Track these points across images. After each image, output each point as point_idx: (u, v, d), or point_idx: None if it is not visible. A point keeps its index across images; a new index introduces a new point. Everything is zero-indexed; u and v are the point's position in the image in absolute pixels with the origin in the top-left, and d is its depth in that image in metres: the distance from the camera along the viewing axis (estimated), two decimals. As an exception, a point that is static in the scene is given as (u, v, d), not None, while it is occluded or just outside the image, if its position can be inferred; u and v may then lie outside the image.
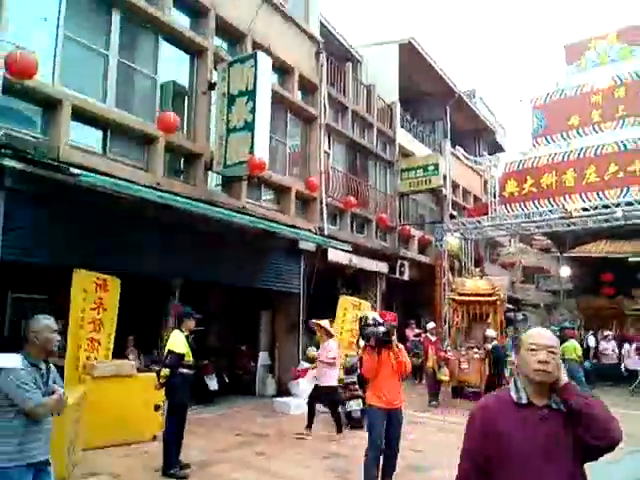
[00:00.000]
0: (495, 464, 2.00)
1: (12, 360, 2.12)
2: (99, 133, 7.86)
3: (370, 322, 5.41)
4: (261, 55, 8.66)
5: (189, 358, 5.64)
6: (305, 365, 10.44)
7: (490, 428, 2.02)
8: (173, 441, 5.49)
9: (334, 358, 8.27)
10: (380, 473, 5.48)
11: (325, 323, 8.72)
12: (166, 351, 5.59)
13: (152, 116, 8.52)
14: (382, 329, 5.21)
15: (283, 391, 11.05)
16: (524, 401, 2.05)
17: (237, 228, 9.22)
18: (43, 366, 3.33)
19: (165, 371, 5.46)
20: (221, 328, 11.81)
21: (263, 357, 11.74)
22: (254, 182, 10.15)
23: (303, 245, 11.33)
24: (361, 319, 6.35)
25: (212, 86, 9.27)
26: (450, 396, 11.67)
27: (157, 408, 6.68)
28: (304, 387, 9.83)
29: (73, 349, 6.65)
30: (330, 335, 8.56)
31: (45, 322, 3.28)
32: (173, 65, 9.14)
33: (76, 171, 5.91)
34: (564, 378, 2.05)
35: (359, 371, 8.84)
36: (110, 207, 7.37)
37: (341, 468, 6.25)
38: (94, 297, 6.92)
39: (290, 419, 9.00)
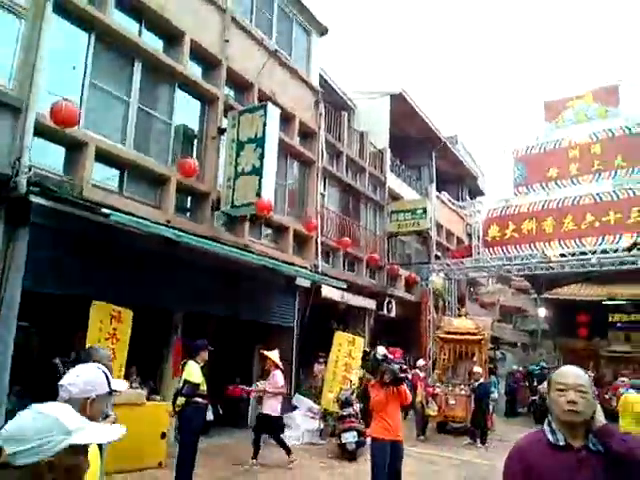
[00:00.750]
0: None
1: (121, 385, 2.37)
2: (117, 173, 8.29)
3: (380, 357, 5.76)
4: (270, 106, 9.25)
5: (203, 388, 5.94)
6: (301, 400, 10.68)
7: (528, 471, 1.96)
8: (187, 468, 5.73)
9: (281, 388, 8.37)
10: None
11: (273, 355, 8.72)
12: (182, 381, 5.88)
13: (166, 158, 9.00)
14: (397, 367, 5.59)
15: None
16: (561, 443, 1.97)
17: (239, 264, 9.60)
18: None
19: (181, 400, 5.74)
20: (217, 360, 11.99)
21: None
22: (256, 221, 10.60)
23: (299, 282, 11.72)
24: (368, 353, 6.69)
25: (222, 131, 9.80)
26: (436, 431, 11.97)
27: (163, 436, 6.90)
28: (299, 420, 10.05)
29: (87, 378, 6.86)
30: (277, 367, 8.56)
31: (104, 352, 3.63)
32: (186, 111, 9.67)
33: (106, 211, 6.29)
34: (601, 419, 1.98)
35: (354, 405, 9.20)
36: (124, 243, 7.72)
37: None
38: (109, 328, 7.20)
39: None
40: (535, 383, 16.19)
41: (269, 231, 11.59)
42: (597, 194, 13.77)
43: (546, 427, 2.05)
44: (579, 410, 1.94)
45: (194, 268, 9.14)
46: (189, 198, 9.69)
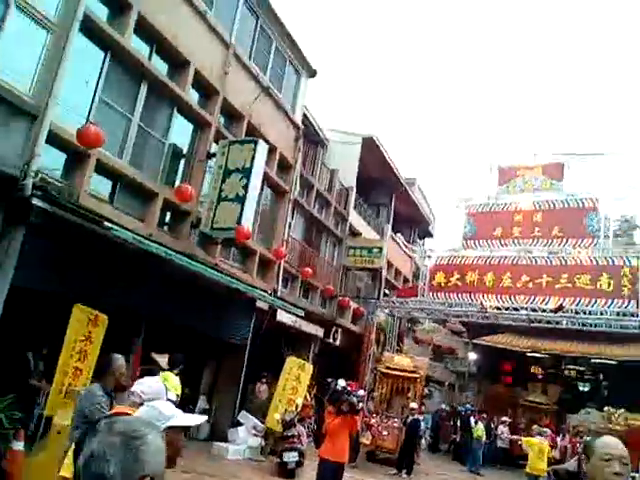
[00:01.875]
0: None
1: (196, 419, 2.45)
2: (110, 184, 8.76)
3: (340, 389, 6.55)
4: (261, 143, 10.01)
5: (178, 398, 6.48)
6: (247, 417, 11.23)
7: None
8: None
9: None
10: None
11: (161, 359, 8.49)
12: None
13: (156, 175, 9.55)
14: (355, 399, 6.40)
15: (216, 436, 11.68)
16: None
17: (207, 281, 10.15)
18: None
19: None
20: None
21: (201, 401, 12.36)
22: (227, 243, 11.21)
23: (259, 304, 12.36)
24: (329, 384, 7.45)
25: (210, 156, 10.45)
26: (365, 459, 12.79)
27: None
28: (243, 435, 10.61)
29: (60, 375, 7.24)
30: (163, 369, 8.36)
31: (122, 361, 4.23)
32: (179, 133, 10.26)
33: (108, 224, 6.81)
34: None
35: (297, 427, 9.89)
36: (109, 251, 8.18)
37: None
38: (85, 330, 7.59)
39: (230, 463, 9.73)
40: (459, 423, 17.38)
41: (237, 254, 12.21)
42: (533, 257, 15.30)
43: None
44: None
45: (166, 280, 9.63)
46: (170, 214, 10.22)
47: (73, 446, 2.81)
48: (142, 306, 9.37)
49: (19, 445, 6.09)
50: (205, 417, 2.64)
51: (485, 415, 17.60)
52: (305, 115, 15.10)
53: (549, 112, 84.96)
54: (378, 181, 21.25)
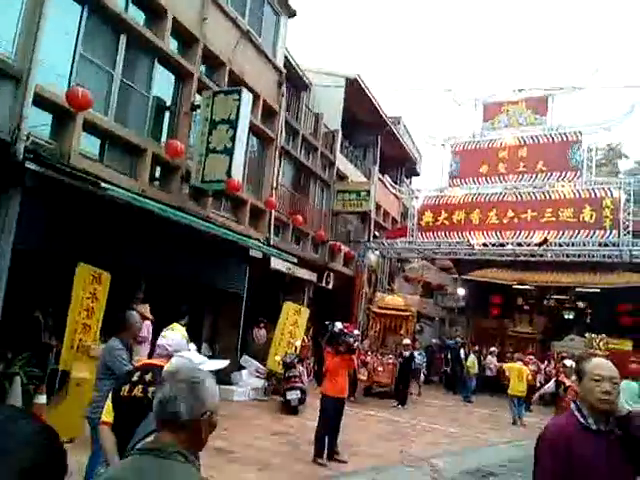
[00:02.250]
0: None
1: (220, 363, 2.75)
2: (98, 142, 8.84)
3: (337, 331, 7.04)
4: (245, 92, 10.02)
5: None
6: (249, 360, 11.85)
7: (567, 451, 2.15)
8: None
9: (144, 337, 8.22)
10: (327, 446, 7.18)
11: (143, 308, 8.43)
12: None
13: (143, 130, 9.60)
14: (351, 339, 6.90)
15: (221, 380, 12.33)
16: (594, 427, 2.20)
17: (201, 234, 10.41)
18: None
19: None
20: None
21: (204, 348, 12.92)
22: (218, 195, 11.41)
23: (253, 252, 12.72)
24: (327, 326, 7.96)
25: (194, 108, 10.45)
26: (362, 394, 13.63)
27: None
28: (246, 378, 11.26)
29: (71, 332, 7.62)
30: (146, 318, 8.20)
31: (137, 317, 4.59)
32: (162, 85, 10.21)
33: (105, 185, 6.98)
34: (624, 406, 2.30)
35: (297, 367, 10.52)
36: (105, 210, 8.37)
37: (291, 441, 7.85)
38: (90, 288, 7.91)
39: (237, 404, 10.40)
40: (449, 356, 18.37)
41: (229, 205, 12.43)
42: (519, 193, 15.72)
43: (576, 412, 2.28)
44: (612, 400, 2.19)
45: (161, 235, 9.88)
46: (159, 169, 10.34)
47: (110, 394, 3.21)
48: (141, 261, 9.66)
49: (42, 398, 6.55)
50: (227, 361, 3.05)
51: (477, 347, 18.61)
52: (287, 58, 14.91)
53: (533, 46, 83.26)
54: (363, 122, 21.20)
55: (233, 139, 9.83)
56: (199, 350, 12.67)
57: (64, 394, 6.80)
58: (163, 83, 10.28)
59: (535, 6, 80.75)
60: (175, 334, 3.37)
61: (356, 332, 14.04)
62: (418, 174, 30.92)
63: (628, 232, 14.15)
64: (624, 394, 9.39)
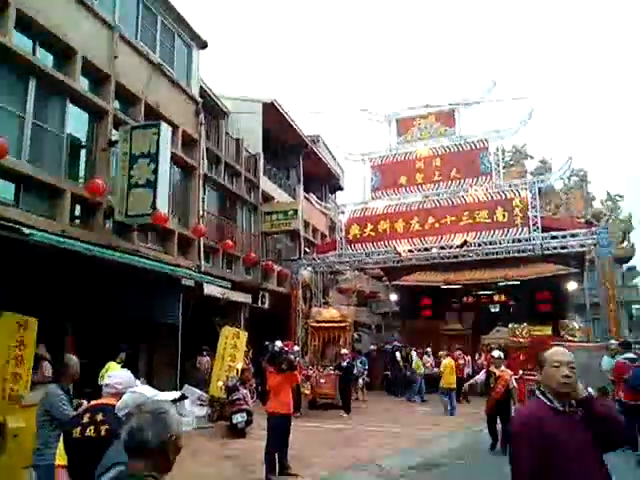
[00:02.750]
0: (549, 463, 2.29)
1: (173, 395, 2.95)
2: (13, 186, 8.69)
3: (278, 350, 7.35)
4: (163, 125, 10.20)
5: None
6: (190, 389, 11.84)
7: (540, 429, 2.32)
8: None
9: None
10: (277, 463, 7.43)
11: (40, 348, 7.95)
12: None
13: (59, 169, 9.53)
14: (292, 357, 7.21)
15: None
16: (561, 408, 2.40)
17: (129, 268, 10.38)
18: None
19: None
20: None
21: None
22: (144, 228, 11.42)
23: (184, 281, 12.76)
24: (267, 346, 8.23)
25: (112, 144, 10.48)
26: (308, 407, 13.92)
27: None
28: (189, 407, 11.24)
29: (1, 382, 7.42)
30: (43, 358, 7.93)
31: (75, 360, 4.70)
32: (77, 124, 10.18)
33: (27, 230, 6.93)
34: (582, 389, 2.44)
35: (241, 390, 10.68)
36: (26, 255, 8.24)
37: (241, 464, 8.01)
38: (16, 336, 7.74)
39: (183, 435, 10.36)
40: (388, 360, 19.06)
41: (156, 236, 12.43)
42: (437, 200, 16.76)
43: (542, 397, 2.48)
44: (572, 382, 2.40)
45: (89, 274, 9.78)
46: (79, 207, 10.24)
47: (61, 439, 3.34)
48: (68, 303, 9.50)
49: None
50: (179, 393, 3.30)
51: (419, 349, 19.40)
52: (202, 88, 15.17)
53: (439, 63, 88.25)
54: (284, 143, 21.78)
55: (155, 172, 9.96)
56: (138, 386, 12.50)
57: (2, 446, 6.63)
58: (77, 121, 10.26)
59: (437, 28, 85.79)
60: (123, 372, 3.58)
61: (296, 348, 14.41)
62: (342, 189, 31.93)
63: (537, 227, 15.46)
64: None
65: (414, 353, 17.70)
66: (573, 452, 2.23)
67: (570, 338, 14.02)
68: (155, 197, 9.81)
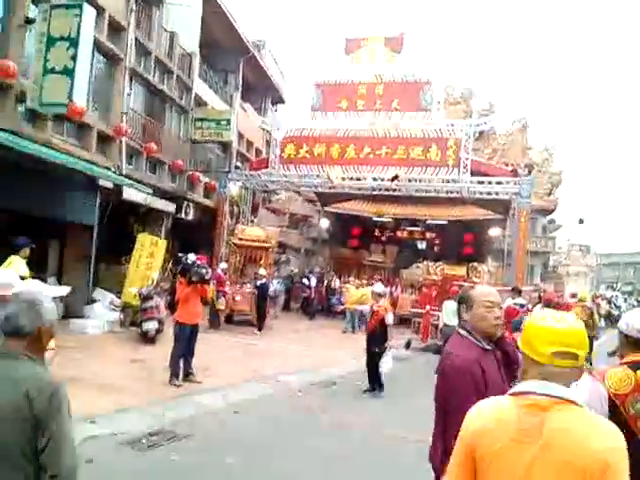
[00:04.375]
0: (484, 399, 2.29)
1: (60, 290, 3.22)
2: None
3: (190, 262, 7.64)
4: (86, 6, 9.57)
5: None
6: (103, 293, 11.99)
7: (480, 368, 2.45)
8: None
9: None
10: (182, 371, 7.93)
11: None
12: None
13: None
14: (204, 270, 7.54)
15: (72, 314, 12.27)
16: (488, 347, 2.56)
17: (39, 160, 10.01)
18: None
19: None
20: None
21: (51, 282, 12.71)
22: (60, 119, 10.96)
23: (102, 182, 12.50)
24: (181, 258, 8.48)
25: (29, 21, 9.76)
26: (224, 322, 14.55)
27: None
28: (100, 310, 11.47)
29: None
30: None
31: None
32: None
33: None
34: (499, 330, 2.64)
35: (155, 299, 11.00)
36: None
37: (148, 367, 8.48)
38: None
39: (91, 337, 10.66)
40: (308, 283, 19.91)
41: (73, 129, 11.96)
42: (375, 130, 17.03)
43: (469, 337, 2.56)
44: (501, 324, 2.60)
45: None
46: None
47: None
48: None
49: None
50: (68, 288, 3.54)
51: (348, 279, 20.32)
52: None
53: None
54: (224, 45, 20.88)
55: (74, 59, 9.46)
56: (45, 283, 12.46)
57: None
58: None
59: None
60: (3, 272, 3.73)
61: (224, 265, 14.76)
62: (284, 102, 31.24)
63: (466, 170, 16.20)
64: (446, 311, 11.38)
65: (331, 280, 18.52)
66: (499, 389, 2.27)
67: (475, 280, 15.19)
68: (72, 86, 9.38)
